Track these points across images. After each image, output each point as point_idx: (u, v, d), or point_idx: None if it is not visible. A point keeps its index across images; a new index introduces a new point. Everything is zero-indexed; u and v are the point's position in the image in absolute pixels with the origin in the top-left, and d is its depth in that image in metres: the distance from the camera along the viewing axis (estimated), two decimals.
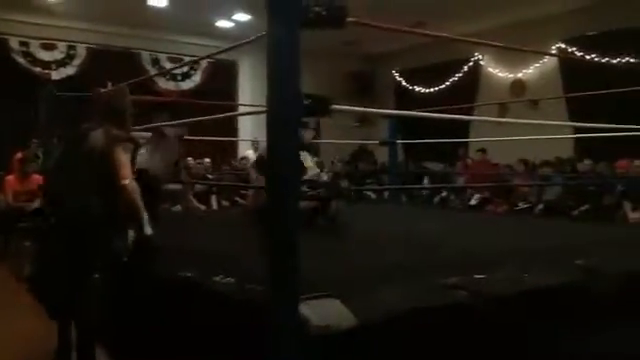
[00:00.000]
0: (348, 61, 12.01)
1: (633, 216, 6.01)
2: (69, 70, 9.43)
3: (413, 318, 2.26)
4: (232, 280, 2.54)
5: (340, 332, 2.09)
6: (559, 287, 2.79)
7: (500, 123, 9.31)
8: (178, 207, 7.07)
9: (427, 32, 4.47)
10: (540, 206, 7.31)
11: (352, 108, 2.93)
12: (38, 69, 9.13)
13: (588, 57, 8.51)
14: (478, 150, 9.02)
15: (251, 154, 9.78)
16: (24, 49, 9.06)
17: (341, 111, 2.71)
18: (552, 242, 3.88)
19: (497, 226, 5.44)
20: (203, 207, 7.34)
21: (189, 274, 2.74)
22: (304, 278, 2.26)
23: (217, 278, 2.59)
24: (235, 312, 2.41)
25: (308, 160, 4.41)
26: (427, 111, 7.17)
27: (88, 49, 9.60)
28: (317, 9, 2.33)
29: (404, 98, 11.46)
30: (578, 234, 4.63)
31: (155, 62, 10.03)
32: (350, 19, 2.56)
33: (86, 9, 8.89)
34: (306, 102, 2.29)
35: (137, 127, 4.46)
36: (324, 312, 2.13)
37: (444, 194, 8.54)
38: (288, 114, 1.96)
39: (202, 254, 3.20)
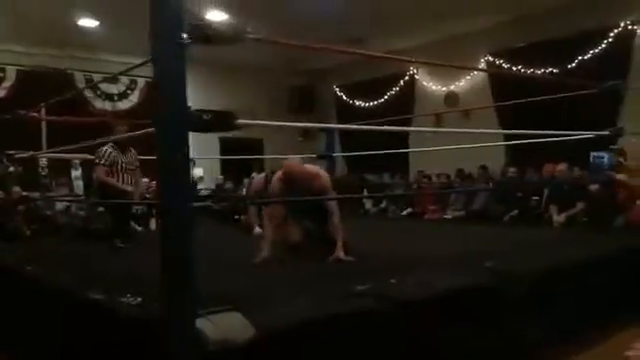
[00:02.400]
0: (291, 77, 12.12)
1: (557, 219, 6.24)
2: None
3: (315, 327, 2.29)
4: (137, 299, 2.51)
5: (239, 345, 2.09)
6: (466, 289, 2.88)
7: (436, 133, 9.63)
8: None
9: (345, 50, 4.57)
10: (466, 212, 7.52)
11: (260, 122, 2.95)
12: None
13: (515, 68, 8.89)
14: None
15: (198, 172, 9.71)
16: None
17: (247, 125, 2.75)
18: (468, 246, 4.01)
19: (422, 233, 5.60)
20: (139, 227, 7.18)
21: (95, 295, 2.68)
22: (210, 292, 2.27)
23: (123, 298, 2.56)
24: (139, 331, 2.37)
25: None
26: (365, 124, 7.42)
27: (18, 71, 9.33)
28: (212, 26, 2.38)
29: (345, 112, 11.63)
30: (496, 238, 4.80)
31: (89, 82, 9.81)
32: (251, 36, 2.63)
33: (15, 30, 8.65)
34: (206, 117, 2.33)
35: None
36: (223, 326, 2.13)
37: (383, 205, 8.67)
38: (174, 129, 1.97)
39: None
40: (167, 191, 2.00)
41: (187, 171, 2.03)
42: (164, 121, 1.99)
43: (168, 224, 2.01)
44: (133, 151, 5.35)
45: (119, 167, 5.13)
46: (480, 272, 3.09)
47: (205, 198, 7.72)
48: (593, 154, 5.86)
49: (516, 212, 7.00)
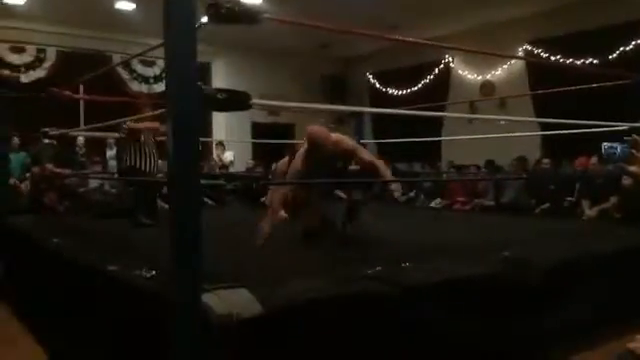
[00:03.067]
0: (325, 63, 12.11)
1: (589, 213, 6.08)
2: (39, 73, 9.41)
3: (320, 307, 2.31)
4: (151, 273, 2.58)
5: (245, 320, 2.12)
6: (481, 277, 2.84)
7: (470, 121, 9.49)
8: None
9: (383, 36, 4.50)
10: (497, 204, 7.40)
11: (272, 103, 2.97)
12: (6, 72, 9.09)
13: (553, 58, 8.65)
14: None
15: (229, 155, 9.82)
16: None
17: (261, 105, 2.77)
18: (489, 236, 3.96)
19: (447, 223, 5.55)
20: (167, 206, 7.32)
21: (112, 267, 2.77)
22: (219, 269, 2.31)
23: (138, 272, 2.63)
24: (151, 303, 2.44)
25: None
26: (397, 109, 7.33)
27: (58, 52, 9.59)
28: (226, 5, 2.41)
29: (378, 99, 11.54)
30: (520, 229, 4.72)
31: (126, 65, 10.02)
32: (267, 16, 2.64)
33: (55, 12, 8.88)
34: (220, 96, 2.37)
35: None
36: (229, 301, 2.17)
37: (412, 194, 8.60)
38: (186, 107, 2.01)
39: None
40: (177, 168, 2.04)
41: (197, 148, 2.07)
42: (175, 99, 2.02)
43: (177, 200, 2.05)
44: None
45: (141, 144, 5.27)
46: (496, 261, 3.04)
47: (216, 177, 7.84)
48: (605, 145, 5.70)
49: (547, 205, 6.85)
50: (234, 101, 2.37)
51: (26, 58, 9.34)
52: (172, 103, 2.03)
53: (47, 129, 5.51)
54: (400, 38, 5.16)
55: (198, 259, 2.07)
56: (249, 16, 2.44)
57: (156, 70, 10.42)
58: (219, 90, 2.30)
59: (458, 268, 2.84)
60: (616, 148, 5.45)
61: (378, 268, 2.66)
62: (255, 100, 2.45)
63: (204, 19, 2.32)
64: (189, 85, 2.01)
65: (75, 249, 3.41)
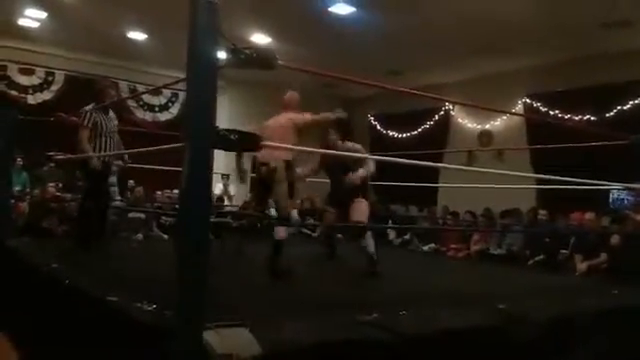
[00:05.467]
0: (327, 102, 12.27)
1: (581, 267, 6.13)
2: (46, 95, 9.54)
3: (320, 351, 2.32)
4: (151, 306, 2.59)
5: None
6: (475, 328, 2.86)
7: (467, 171, 9.58)
8: (139, 235, 7.11)
9: (377, 84, 4.73)
10: (497, 251, 7.44)
11: (285, 146, 3.04)
12: (14, 93, 9.21)
13: (552, 113, 8.83)
14: None
15: (232, 189, 9.84)
16: (2, 73, 9.16)
17: (272, 147, 2.85)
18: (481, 286, 3.99)
19: (439, 269, 5.58)
20: (166, 236, 7.35)
21: (113, 299, 2.78)
22: (221, 305, 2.33)
23: (138, 304, 2.64)
24: (150, 337, 2.45)
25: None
26: (397, 155, 7.42)
27: (67, 76, 9.74)
28: (247, 51, 2.51)
29: (378, 141, 11.70)
30: (517, 281, 4.75)
31: (133, 92, 10.17)
32: (282, 63, 2.74)
33: (67, 37, 9.06)
34: (233, 137, 2.44)
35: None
36: (230, 340, 2.18)
37: (407, 237, 8.63)
38: (200, 146, 2.07)
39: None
40: (187, 204, 2.09)
41: (208, 186, 2.12)
42: (192, 137, 2.09)
43: (185, 236, 2.09)
44: (112, 114, 5.15)
45: (101, 130, 4.89)
46: (491, 313, 3.06)
47: (225, 214, 7.87)
48: (613, 194, 5.80)
49: (542, 257, 6.89)
50: (246, 142, 2.45)
51: (35, 80, 9.49)
52: (189, 140, 2.10)
53: (52, 153, 5.57)
54: (405, 89, 5.39)
55: (203, 295, 2.10)
56: (266, 62, 2.55)
57: (162, 99, 10.59)
58: (231, 131, 2.38)
59: (455, 318, 2.87)
60: (624, 198, 5.57)
61: (375, 315, 2.69)
62: (265, 142, 2.53)
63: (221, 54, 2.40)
64: (207, 124, 2.09)
65: (72, 276, 3.42)
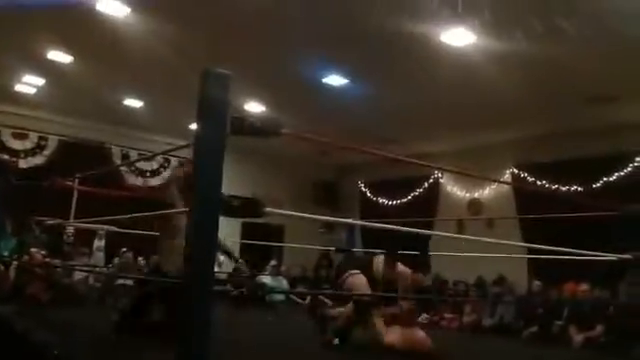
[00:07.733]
0: (319, 169, 12.44)
1: (577, 339, 6.04)
2: (37, 159, 9.54)
3: None
4: None
5: None
6: None
7: (458, 240, 9.59)
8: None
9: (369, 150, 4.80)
10: (489, 322, 7.34)
11: (287, 212, 3.04)
12: (6, 157, 9.20)
13: (539, 183, 8.98)
14: None
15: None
16: None
17: (272, 213, 2.84)
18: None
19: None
20: None
21: None
22: None
23: None
24: None
25: None
26: (387, 222, 7.39)
27: (60, 141, 9.79)
28: (250, 119, 2.56)
29: (369, 208, 11.75)
30: (515, 356, 4.66)
31: (125, 157, 10.22)
32: (285, 131, 2.79)
33: (63, 103, 9.17)
34: (236, 203, 2.44)
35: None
36: None
37: None
38: (206, 213, 2.07)
39: None
40: (193, 271, 2.06)
41: (214, 253, 2.10)
42: (198, 204, 2.09)
43: (187, 306, 2.05)
44: None
45: None
46: None
47: (225, 282, 7.77)
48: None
49: (536, 328, 6.79)
50: (248, 208, 2.45)
51: (27, 144, 9.52)
52: (196, 207, 2.10)
53: (43, 218, 5.51)
54: (404, 158, 5.41)
55: None
56: (270, 130, 2.59)
57: (154, 164, 10.63)
58: (233, 197, 2.39)
59: None
60: None
61: None
62: (269, 209, 2.53)
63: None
64: (213, 191, 2.10)
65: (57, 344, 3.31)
